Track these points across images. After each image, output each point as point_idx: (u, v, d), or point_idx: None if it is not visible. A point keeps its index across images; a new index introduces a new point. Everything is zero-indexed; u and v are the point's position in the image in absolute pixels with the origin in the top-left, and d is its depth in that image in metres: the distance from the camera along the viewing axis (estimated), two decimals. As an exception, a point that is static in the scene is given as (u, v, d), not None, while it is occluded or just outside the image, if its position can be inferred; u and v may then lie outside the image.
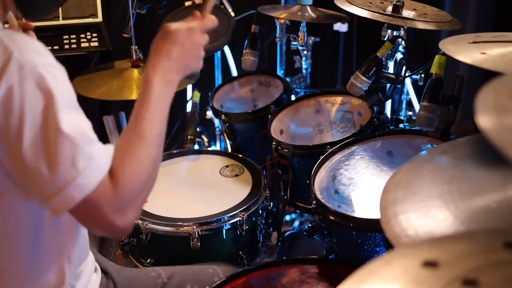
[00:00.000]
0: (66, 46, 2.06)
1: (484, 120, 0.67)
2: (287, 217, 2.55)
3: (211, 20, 1.20)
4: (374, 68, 1.66)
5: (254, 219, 1.71)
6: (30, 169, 0.93)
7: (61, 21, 2.04)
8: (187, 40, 1.13)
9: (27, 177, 0.95)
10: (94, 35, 2.07)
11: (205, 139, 2.61)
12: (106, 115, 2.46)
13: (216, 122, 2.57)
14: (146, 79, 1.09)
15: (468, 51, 1.15)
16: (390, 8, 1.70)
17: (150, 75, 1.09)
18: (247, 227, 1.65)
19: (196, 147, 2.28)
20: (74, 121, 0.96)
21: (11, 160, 0.94)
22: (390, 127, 1.80)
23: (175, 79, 1.12)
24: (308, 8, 2.16)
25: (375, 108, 1.76)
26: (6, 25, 1.08)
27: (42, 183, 0.94)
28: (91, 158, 0.96)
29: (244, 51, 2.20)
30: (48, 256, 1.11)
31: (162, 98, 1.09)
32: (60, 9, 2.04)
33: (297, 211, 2.38)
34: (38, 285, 1.12)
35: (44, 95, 0.92)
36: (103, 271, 1.35)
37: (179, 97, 2.94)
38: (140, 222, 1.62)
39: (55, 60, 0.97)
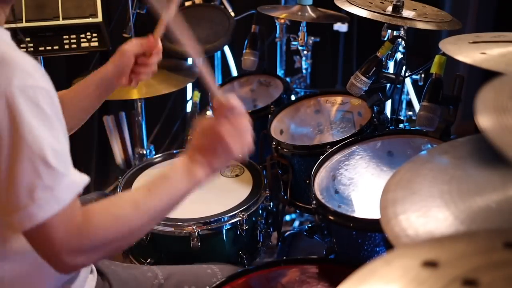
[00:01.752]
0: (66, 46, 2.06)
1: (484, 120, 0.67)
2: (287, 217, 2.55)
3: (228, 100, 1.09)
4: (374, 68, 1.66)
5: (254, 219, 1.71)
6: None
7: (61, 21, 2.04)
8: (213, 132, 1.08)
9: None
10: (94, 35, 2.07)
11: (205, 139, 2.60)
12: (106, 115, 2.47)
13: (216, 122, 2.56)
14: (179, 163, 1.08)
15: (468, 51, 1.15)
16: (390, 8, 1.70)
17: (184, 161, 1.08)
18: (247, 227, 1.65)
19: (196, 147, 2.28)
20: (41, 149, 0.94)
21: None
22: (390, 127, 1.80)
23: (197, 175, 1.10)
24: (308, 8, 2.16)
25: (375, 108, 1.76)
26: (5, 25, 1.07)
27: None
28: (51, 190, 0.95)
29: (244, 51, 2.20)
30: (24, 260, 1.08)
31: (179, 187, 1.09)
32: (60, 9, 2.04)
33: (297, 211, 2.38)
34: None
35: (13, 118, 0.91)
36: (99, 272, 1.35)
37: (179, 97, 2.94)
38: (140, 222, 1.61)
39: (40, 80, 0.95)
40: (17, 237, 1.03)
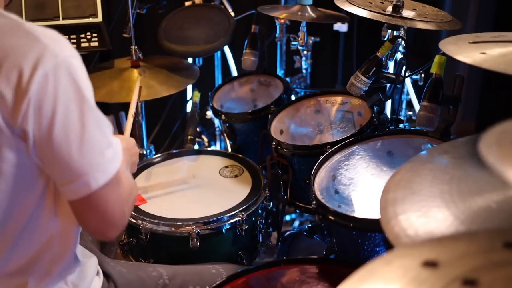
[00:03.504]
0: (66, 46, 2.05)
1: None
2: (287, 217, 2.55)
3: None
4: (374, 68, 1.66)
5: (253, 219, 1.71)
6: (60, 151, 0.98)
7: (61, 21, 2.04)
8: (131, 143, 1.42)
9: (54, 160, 0.99)
10: (94, 35, 2.07)
11: (205, 139, 2.61)
12: (106, 115, 2.46)
13: (216, 122, 2.57)
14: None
15: (468, 51, 1.14)
16: (390, 8, 1.70)
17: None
18: (246, 227, 1.65)
19: (196, 147, 2.28)
20: (99, 111, 1.03)
21: (41, 144, 0.98)
22: (390, 127, 1.80)
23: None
24: (308, 8, 2.16)
25: (375, 108, 1.76)
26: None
27: (69, 166, 0.99)
28: (113, 147, 1.05)
29: (244, 51, 2.20)
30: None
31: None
32: (60, 9, 2.04)
33: (297, 211, 2.38)
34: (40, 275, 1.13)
35: (76, 84, 0.98)
36: (105, 273, 1.35)
37: (179, 97, 2.94)
38: (140, 222, 1.62)
39: (76, 52, 1.03)
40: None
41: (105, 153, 1.02)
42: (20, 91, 0.94)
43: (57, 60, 0.96)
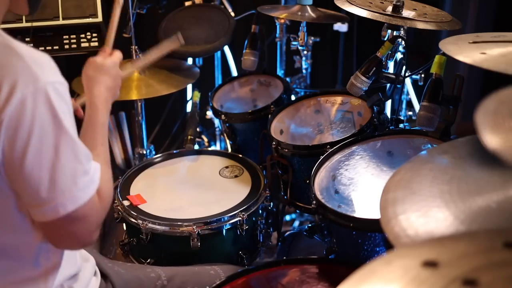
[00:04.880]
0: (66, 46, 2.06)
1: (492, 140, 0.66)
2: (287, 217, 2.55)
3: (119, 55, 1.40)
4: (374, 68, 1.66)
5: (254, 219, 1.71)
6: (30, 177, 0.98)
7: (61, 21, 2.04)
8: (115, 72, 1.35)
9: (24, 183, 0.99)
10: (94, 35, 2.07)
11: (205, 139, 2.61)
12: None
13: (216, 122, 2.57)
14: (95, 108, 1.25)
15: (468, 51, 1.15)
16: (390, 8, 1.70)
17: (97, 103, 1.26)
18: (247, 227, 1.65)
19: (196, 147, 2.28)
20: (76, 138, 1.03)
21: (11, 166, 0.98)
22: (390, 127, 1.80)
23: (110, 107, 1.31)
24: (308, 8, 2.16)
25: (375, 108, 1.76)
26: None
27: (38, 191, 0.99)
28: (89, 174, 1.05)
29: (244, 51, 2.20)
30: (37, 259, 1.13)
31: (106, 124, 1.27)
32: (60, 9, 2.04)
33: (297, 211, 2.38)
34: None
35: (53, 112, 0.97)
36: (103, 274, 1.35)
37: (179, 97, 2.94)
38: (140, 222, 1.62)
39: (61, 76, 1.02)
40: None
41: (78, 181, 1.02)
42: None
43: (37, 85, 0.95)
